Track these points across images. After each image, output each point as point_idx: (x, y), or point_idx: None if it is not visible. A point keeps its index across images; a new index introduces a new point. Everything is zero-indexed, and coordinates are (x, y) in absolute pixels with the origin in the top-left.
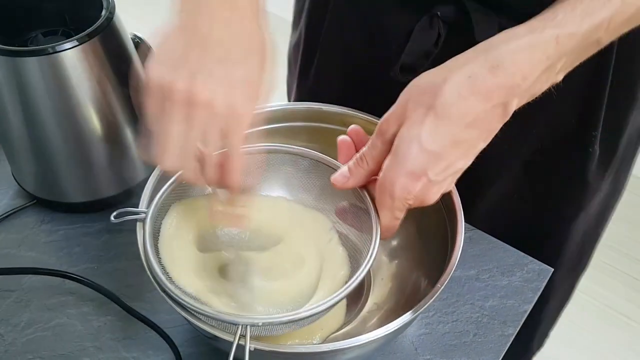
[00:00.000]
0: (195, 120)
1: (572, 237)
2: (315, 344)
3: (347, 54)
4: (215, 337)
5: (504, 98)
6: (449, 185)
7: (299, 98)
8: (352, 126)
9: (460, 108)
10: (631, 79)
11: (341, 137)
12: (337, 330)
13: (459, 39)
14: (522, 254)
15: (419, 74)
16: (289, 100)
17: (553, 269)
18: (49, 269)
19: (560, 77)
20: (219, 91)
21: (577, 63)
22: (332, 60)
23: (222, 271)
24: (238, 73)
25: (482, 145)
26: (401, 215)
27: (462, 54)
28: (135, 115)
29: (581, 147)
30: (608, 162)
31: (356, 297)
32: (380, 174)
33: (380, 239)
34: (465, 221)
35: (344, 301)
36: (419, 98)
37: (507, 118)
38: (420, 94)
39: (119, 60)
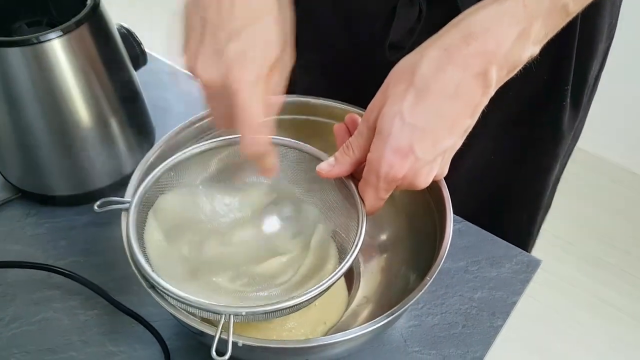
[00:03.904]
0: (206, 98)
1: (548, 186)
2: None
3: (323, 45)
4: (202, 333)
5: (481, 66)
6: (441, 167)
7: None
8: (350, 115)
9: (439, 80)
10: (593, 34)
11: (337, 125)
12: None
13: (440, 10)
14: (511, 245)
15: (406, 50)
16: None
17: (542, 260)
18: (35, 263)
19: (537, 49)
20: (211, 69)
21: (551, 34)
22: (308, 53)
23: (210, 263)
24: (232, 46)
25: (469, 122)
26: (385, 195)
27: (436, 33)
28: (121, 106)
29: (555, 103)
30: (577, 110)
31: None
32: (368, 154)
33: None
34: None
35: (345, 294)
36: (399, 78)
37: (490, 90)
38: (400, 75)
39: (104, 51)
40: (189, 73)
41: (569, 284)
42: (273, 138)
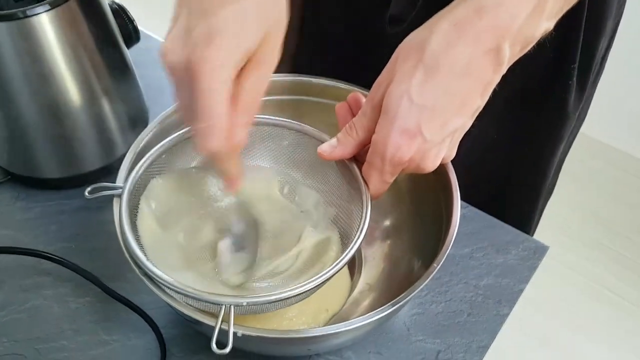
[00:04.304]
0: (173, 86)
1: (551, 169)
2: (318, 327)
3: (320, 18)
4: (199, 322)
5: (493, 41)
6: (449, 149)
7: None
8: (353, 94)
9: (449, 56)
10: (602, 10)
11: (340, 104)
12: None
13: None
14: (518, 231)
15: (406, 24)
16: None
17: (549, 247)
18: (24, 248)
19: (551, 24)
20: (176, 50)
21: (566, 8)
22: (305, 27)
23: (207, 249)
24: (201, 25)
25: (479, 101)
26: (391, 179)
27: (446, 7)
28: (112, 85)
29: (561, 82)
30: (582, 90)
31: None
32: (373, 136)
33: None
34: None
35: (348, 281)
36: (407, 54)
37: (502, 67)
38: (408, 51)
39: (95, 27)
40: (160, 58)
41: (571, 270)
42: (271, 118)
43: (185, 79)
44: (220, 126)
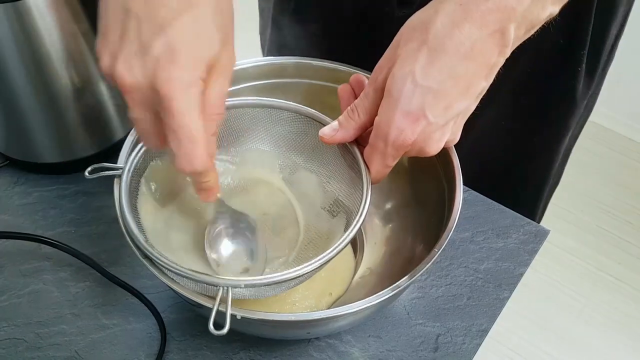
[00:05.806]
0: (130, 108)
1: (557, 158)
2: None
3: (329, 2)
4: (199, 305)
5: (499, 23)
6: (453, 133)
7: (273, 50)
8: (355, 75)
9: (454, 38)
10: None
11: (342, 86)
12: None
13: None
14: (519, 215)
15: (415, 6)
16: (263, 54)
17: (550, 230)
18: (24, 233)
19: (557, 9)
20: (135, 69)
21: None
22: (308, 11)
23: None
24: (159, 40)
25: (484, 84)
26: (393, 163)
27: None
28: None
29: (570, 68)
30: (591, 78)
31: None
32: (376, 118)
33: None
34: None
35: (352, 264)
36: (411, 35)
37: (507, 50)
38: (412, 32)
39: (93, 7)
40: (108, 78)
41: (569, 253)
42: (272, 101)
43: (150, 102)
44: (202, 146)
